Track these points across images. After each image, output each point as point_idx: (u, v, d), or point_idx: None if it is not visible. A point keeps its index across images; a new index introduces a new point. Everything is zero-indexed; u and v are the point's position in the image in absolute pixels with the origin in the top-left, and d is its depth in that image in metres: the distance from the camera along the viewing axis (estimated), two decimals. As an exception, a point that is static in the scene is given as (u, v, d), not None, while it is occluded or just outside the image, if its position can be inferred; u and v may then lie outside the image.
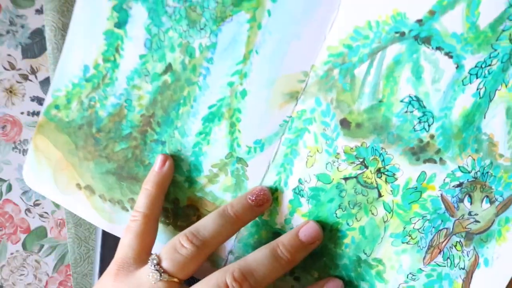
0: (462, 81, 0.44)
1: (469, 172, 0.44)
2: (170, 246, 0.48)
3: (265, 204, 0.50)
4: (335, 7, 0.46)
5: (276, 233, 0.51)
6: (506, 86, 0.43)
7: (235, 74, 0.50)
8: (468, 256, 0.45)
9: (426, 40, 0.44)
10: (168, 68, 0.52)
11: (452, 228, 0.45)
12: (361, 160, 0.47)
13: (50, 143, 0.57)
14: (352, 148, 0.47)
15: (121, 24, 0.52)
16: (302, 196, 0.50)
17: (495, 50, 0.43)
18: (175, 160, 0.53)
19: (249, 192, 0.51)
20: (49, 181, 0.58)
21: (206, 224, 0.49)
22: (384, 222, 0.47)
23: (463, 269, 0.45)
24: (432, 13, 0.44)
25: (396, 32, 0.45)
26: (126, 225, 0.52)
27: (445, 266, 0.46)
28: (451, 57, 0.44)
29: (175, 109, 0.52)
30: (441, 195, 0.46)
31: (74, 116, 0.56)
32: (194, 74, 0.51)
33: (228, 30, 0.49)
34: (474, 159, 0.44)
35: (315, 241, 0.49)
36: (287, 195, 0.50)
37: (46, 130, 0.57)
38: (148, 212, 0.51)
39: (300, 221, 0.50)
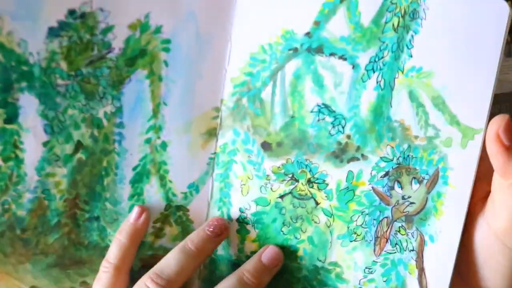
0: (362, 78, 0.46)
1: (392, 160, 0.46)
2: None
3: (224, 233, 0.51)
4: (227, 39, 0.48)
5: (235, 264, 0.52)
6: (402, 72, 0.45)
7: (149, 130, 0.50)
8: (413, 237, 0.47)
9: (319, 50, 0.46)
10: (78, 145, 0.50)
11: (392, 216, 0.48)
12: (290, 175, 0.49)
13: None
14: (279, 167, 0.49)
15: (11, 118, 0.49)
16: (247, 223, 0.51)
17: (384, 42, 0.45)
18: (116, 230, 0.53)
19: (206, 224, 0.51)
20: None
21: (168, 263, 0.49)
22: (328, 227, 0.49)
23: (413, 250, 0.47)
24: (317, 23, 0.46)
25: (290, 49, 0.47)
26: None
27: (395, 252, 0.48)
28: (345, 59, 0.46)
29: (99, 183, 0.51)
30: (372, 187, 0.48)
31: None
32: (108, 143, 0.51)
33: (130, 91, 0.50)
34: (392, 147, 0.46)
35: (278, 263, 0.50)
36: (233, 226, 0.52)
37: None
38: (119, 264, 0.50)
39: (251, 247, 0.52)
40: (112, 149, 0.51)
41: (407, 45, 0.44)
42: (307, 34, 0.46)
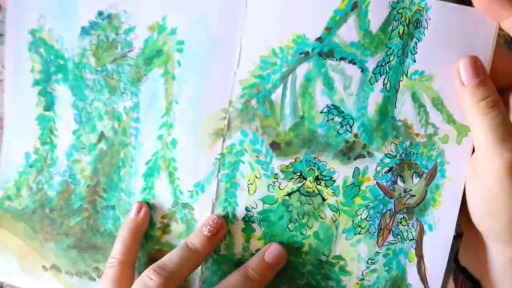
0: (369, 81, 0.49)
1: (395, 156, 0.50)
2: (139, 281, 0.50)
3: (221, 231, 0.52)
4: (237, 43, 0.50)
5: (238, 263, 0.53)
6: (406, 76, 0.49)
7: (162, 127, 0.52)
8: (413, 227, 0.51)
9: (330, 54, 0.49)
10: (101, 136, 0.54)
11: (394, 208, 0.51)
12: (298, 173, 0.51)
13: (10, 234, 0.58)
14: (288, 166, 0.51)
15: (49, 106, 0.55)
16: (253, 222, 0.52)
17: (390, 48, 0.49)
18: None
19: (203, 224, 0.52)
20: (16, 270, 0.59)
21: (171, 258, 0.51)
22: (334, 221, 0.52)
23: (413, 239, 0.51)
24: (328, 29, 0.49)
25: (301, 53, 0.49)
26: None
27: (397, 242, 0.52)
28: (354, 63, 0.49)
29: (116, 173, 0.55)
30: (377, 183, 0.51)
31: (26, 202, 0.57)
32: (126, 136, 0.54)
33: (146, 88, 0.52)
34: (396, 144, 0.50)
35: (281, 261, 0.52)
36: (238, 226, 0.53)
37: (4, 222, 0.58)
38: (124, 259, 0.53)
39: (256, 245, 0.53)
40: (129, 142, 0.54)
41: (411, 51, 0.49)
42: (319, 39, 0.49)
